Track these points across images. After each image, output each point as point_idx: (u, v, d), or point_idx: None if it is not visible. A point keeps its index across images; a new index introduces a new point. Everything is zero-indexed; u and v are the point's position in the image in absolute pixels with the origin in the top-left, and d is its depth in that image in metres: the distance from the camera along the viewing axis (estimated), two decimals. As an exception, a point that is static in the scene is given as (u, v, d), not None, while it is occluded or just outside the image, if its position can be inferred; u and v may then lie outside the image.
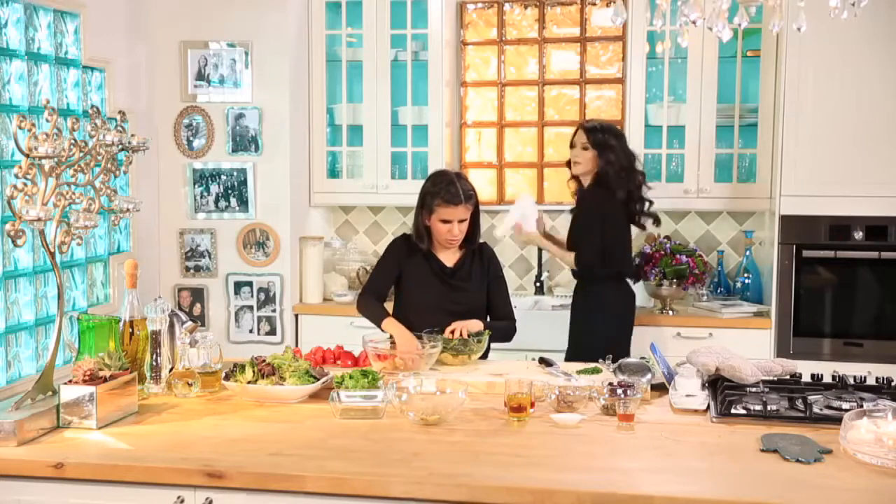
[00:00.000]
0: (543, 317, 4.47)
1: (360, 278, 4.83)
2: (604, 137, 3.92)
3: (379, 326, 3.29)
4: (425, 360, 3.01)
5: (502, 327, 3.41)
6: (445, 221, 3.31)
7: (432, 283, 3.38)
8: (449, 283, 3.39)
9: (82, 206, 2.55)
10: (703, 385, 2.65)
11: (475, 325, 3.22)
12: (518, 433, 2.43)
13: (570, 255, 3.99)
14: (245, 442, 2.33)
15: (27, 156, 2.38)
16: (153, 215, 4.56)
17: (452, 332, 3.16)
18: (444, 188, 3.30)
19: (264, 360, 2.76)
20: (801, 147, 4.14)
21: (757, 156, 4.46)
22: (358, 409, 2.55)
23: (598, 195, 3.92)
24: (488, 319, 3.41)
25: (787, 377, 2.76)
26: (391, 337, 3.15)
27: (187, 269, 4.65)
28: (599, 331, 3.82)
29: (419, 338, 3.09)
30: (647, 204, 4.00)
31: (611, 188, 3.89)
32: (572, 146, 4.02)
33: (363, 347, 3.11)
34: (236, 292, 4.63)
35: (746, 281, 4.60)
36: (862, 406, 2.41)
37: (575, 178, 4.07)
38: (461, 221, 3.32)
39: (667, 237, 4.67)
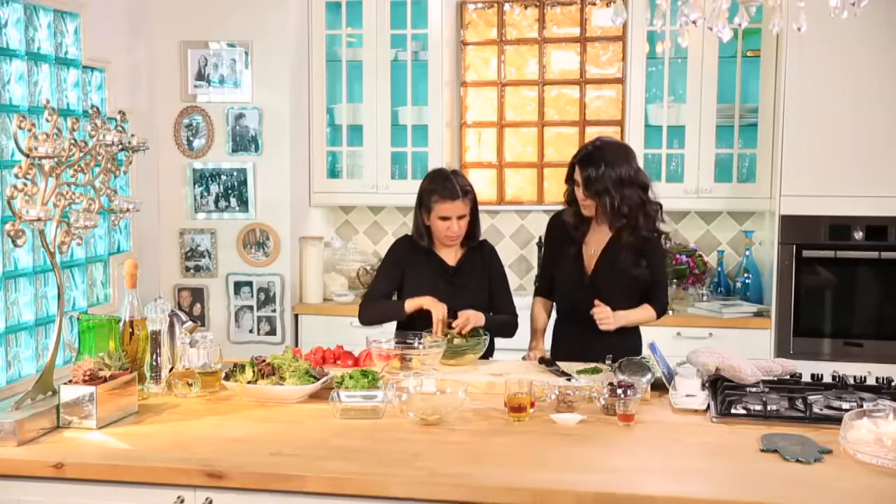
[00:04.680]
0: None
1: (361, 278, 4.83)
2: (605, 176, 3.11)
3: (402, 315, 3.28)
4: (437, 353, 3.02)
5: (504, 322, 3.40)
6: (444, 218, 3.30)
7: (435, 283, 3.37)
8: (452, 282, 3.38)
9: (82, 206, 2.55)
10: (703, 385, 2.65)
11: (480, 317, 3.23)
12: (518, 433, 2.42)
13: (649, 311, 3.29)
14: (245, 442, 2.33)
15: (27, 156, 2.38)
16: (153, 215, 4.56)
17: (461, 331, 3.16)
18: (441, 184, 3.30)
19: (264, 360, 2.76)
20: (801, 147, 4.14)
21: (757, 156, 4.46)
22: (358, 409, 2.55)
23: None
24: (491, 314, 3.41)
25: (787, 377, 2.76)
26: (396, 338, 3.12)
27: (187, 269, 4.65)
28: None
29: (420, 336, 3.08)
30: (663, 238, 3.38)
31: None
32: (573, 182, 3.26)
33: (367, 346, 3.10)
34: (236, 292, 4.63)
35: (746, 281, 4.60)
36: (862, 406, 2.41)
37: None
38: (460, 218, 3.31)
39: (667, 237, 4.66)
